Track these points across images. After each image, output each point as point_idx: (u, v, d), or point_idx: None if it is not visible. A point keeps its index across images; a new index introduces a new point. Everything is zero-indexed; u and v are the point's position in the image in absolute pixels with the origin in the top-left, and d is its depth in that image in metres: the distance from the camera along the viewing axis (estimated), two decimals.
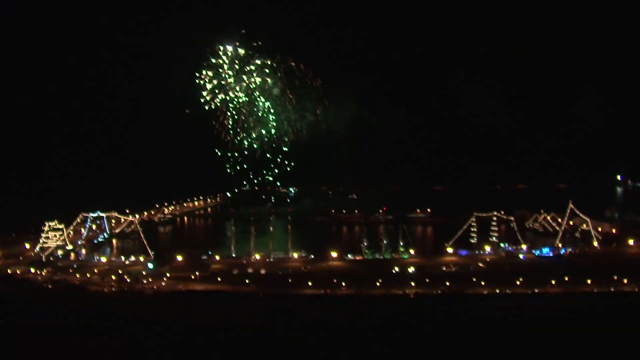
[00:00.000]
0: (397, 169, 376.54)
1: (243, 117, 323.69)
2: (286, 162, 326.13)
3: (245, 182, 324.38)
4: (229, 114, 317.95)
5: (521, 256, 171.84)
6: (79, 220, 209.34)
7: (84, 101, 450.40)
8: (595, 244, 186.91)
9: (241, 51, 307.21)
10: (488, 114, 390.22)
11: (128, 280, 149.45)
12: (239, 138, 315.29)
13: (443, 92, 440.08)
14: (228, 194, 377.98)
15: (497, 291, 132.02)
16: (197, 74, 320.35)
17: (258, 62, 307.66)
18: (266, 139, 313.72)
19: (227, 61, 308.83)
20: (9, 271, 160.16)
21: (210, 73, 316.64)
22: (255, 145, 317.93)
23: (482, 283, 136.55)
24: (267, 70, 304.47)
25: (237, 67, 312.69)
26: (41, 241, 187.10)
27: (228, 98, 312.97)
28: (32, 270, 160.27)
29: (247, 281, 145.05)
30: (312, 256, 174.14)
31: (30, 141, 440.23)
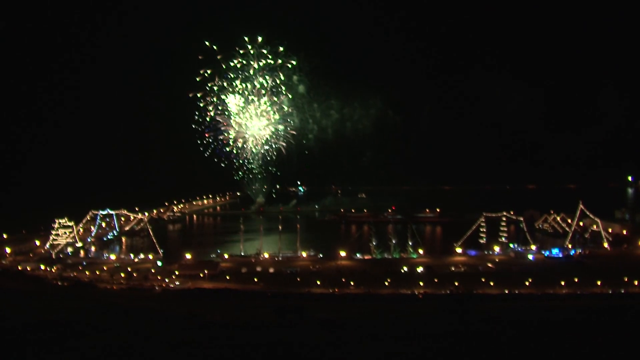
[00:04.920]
0: (405, 169, 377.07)
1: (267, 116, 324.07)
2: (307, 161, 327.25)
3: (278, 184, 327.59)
4: (249, 114, 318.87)
5: (530, 257, 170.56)
6: (88, 217, 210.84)
7: (93, 101, 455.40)
8: (606, 245, 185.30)
9: (267, 48, 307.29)
10: (501, 114, 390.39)
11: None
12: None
13: (456, 93, 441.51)
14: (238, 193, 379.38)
15: (506, 291, 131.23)
16: (218, 73, 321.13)
17: (283, 59, 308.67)
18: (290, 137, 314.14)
19: (251, 59, 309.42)
20: (19, 268, 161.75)
21: (232, 72, 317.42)
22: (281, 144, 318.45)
23: (491, 283, 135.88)
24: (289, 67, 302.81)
25: (261, 64, 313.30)
26: (51, 238, 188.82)
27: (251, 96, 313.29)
28: (42, 267, 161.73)
29: (255, 280, 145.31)
30: (321, 255, 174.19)
31: (41, 140, 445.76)
